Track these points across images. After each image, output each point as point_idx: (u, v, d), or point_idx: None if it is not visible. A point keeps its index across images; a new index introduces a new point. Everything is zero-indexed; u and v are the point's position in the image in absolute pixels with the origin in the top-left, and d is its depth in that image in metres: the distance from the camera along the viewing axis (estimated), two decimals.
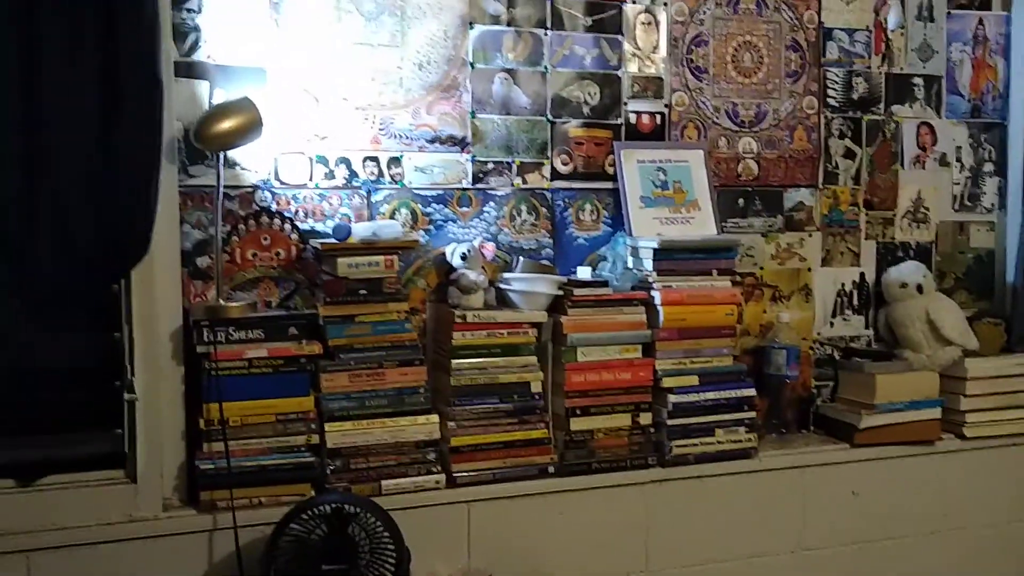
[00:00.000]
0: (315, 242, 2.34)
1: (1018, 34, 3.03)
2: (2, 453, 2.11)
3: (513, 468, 2.34)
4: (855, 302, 2.92)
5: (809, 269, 2.87)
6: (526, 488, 2.34)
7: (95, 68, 1.98)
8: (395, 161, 2.45)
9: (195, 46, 2.27)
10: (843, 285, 2.91)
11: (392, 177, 2.45)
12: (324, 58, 2.37)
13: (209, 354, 2.14)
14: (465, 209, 2.52)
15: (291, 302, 2.37)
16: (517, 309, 2.40)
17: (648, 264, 2.50)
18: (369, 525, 2.03)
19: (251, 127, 2.20)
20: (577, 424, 2.40)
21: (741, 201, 2.80)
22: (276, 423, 2.17)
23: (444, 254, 2.47)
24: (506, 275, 2.45)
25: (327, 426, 2.20)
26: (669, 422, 2.46)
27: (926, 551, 2.74)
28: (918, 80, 2.97)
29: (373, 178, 2.44)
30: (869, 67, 2.91)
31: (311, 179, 2.39)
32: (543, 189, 2.59)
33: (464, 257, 2.39)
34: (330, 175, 2.40)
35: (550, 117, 2.59)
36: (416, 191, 2.47)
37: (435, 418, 2.28)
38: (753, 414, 2.54)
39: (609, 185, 2.64)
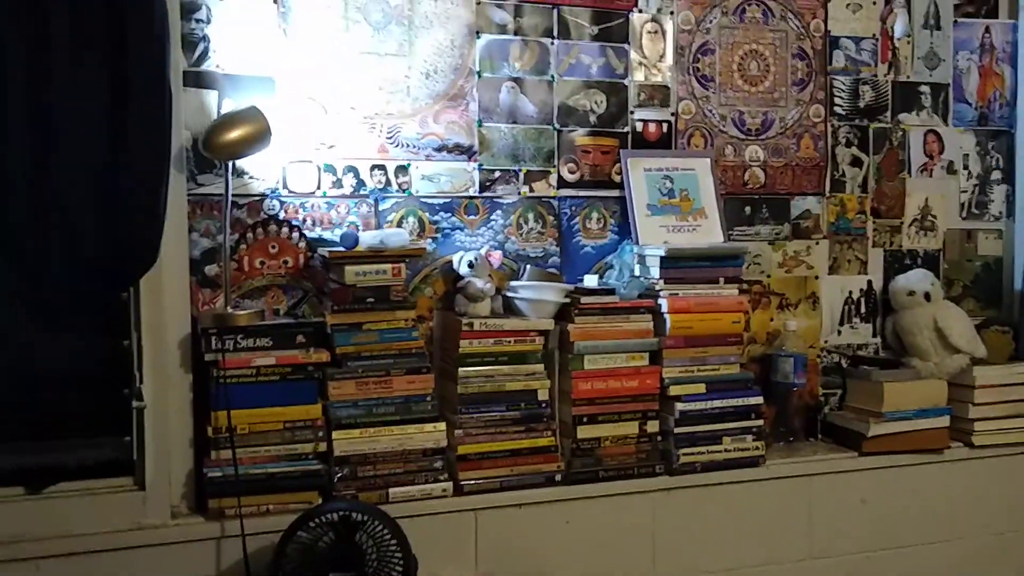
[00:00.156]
0: (323, 250, 2.35)
1: None
2: (11, 460, 2.12)
3: (520, 476, 2.34)
4: (862, 310, 2.91)
5: (816, 277, 2.87)
6: (533, 496, 2.34)
7: (105, 78, 1.99)
8: (402, 170, 2.46)
9: (204, 56, 2.28)
10: (850, 293, 2.90)
11: (399, 186, 2.46)
12: (332, 67, 2.38)
13: (217, 362, 2.15)
14: (472, 217, 2.53)
15: (299, 310, 2.38)
16: (524, 317, 2.40)
17: (655, 272, 2.51)
18: (376, 533, 2.03)
19: (259, 136, 2.21)
20: (584, 432, 2.40)
21: (748, 209, 2.80)
22: (284, 431, 2.18)
23: (451, 262, 2.47)
24: (513, 283, 2.46)
25: (334, 434, 2.20)
26: (676, 430, 2.46)
27: (934, 559, 2.73)
28: (925, 88, 2.97)
29: (380, 187, 2.45)
30: (876, 75, 2.92)
31: (319, 188, 2.40)
32: (550, 197, 2.60)
33: (471, 265, 2.40)
34: (338, 184, 2.41)
35: (557, 126, 2.60)
36: (423, 199, 2.48)
37: (442, 426, 2.28)
38: (760, 422, 2.54)
39: (616, 193, 2.65)
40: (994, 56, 3.04)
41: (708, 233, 2.66)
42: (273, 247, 2.36)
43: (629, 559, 2.45)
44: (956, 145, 3.01)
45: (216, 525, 2.12)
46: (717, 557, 2.53)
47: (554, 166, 2.60)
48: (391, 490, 2.22)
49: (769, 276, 2.82)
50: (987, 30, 3.03)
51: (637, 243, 2.59)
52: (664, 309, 2.47)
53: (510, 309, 2.44)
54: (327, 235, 2.39)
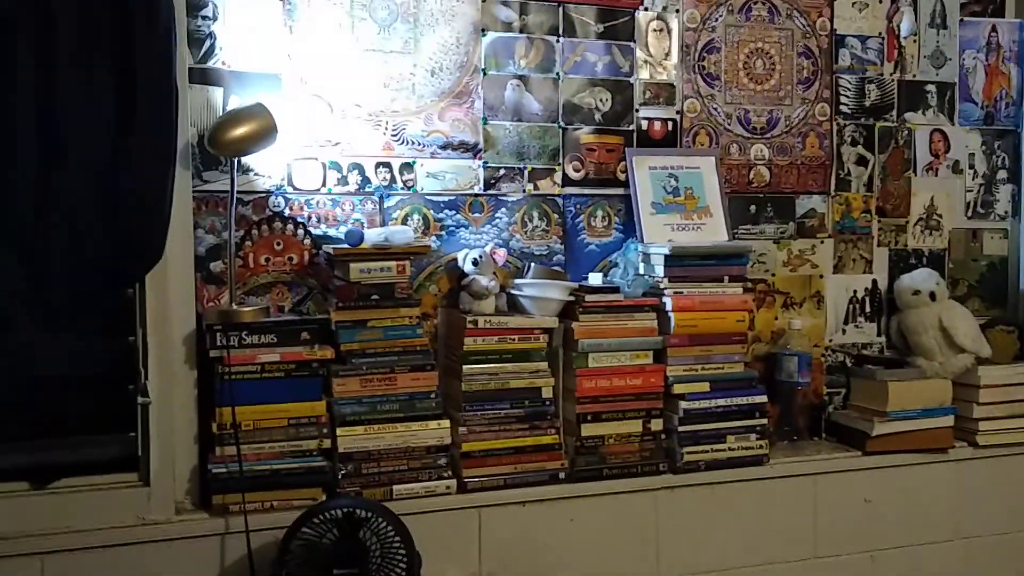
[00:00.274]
0: (328, 247, 2.35)
1: None
2: (16, 456, 2.13)
3: (524, 474, 2.34)
4: (867, 309, 2.91)
5: (821, 276, 2.86)
6: (537, 494, 2.35)
7: (111, 74, 2.00)
8: (407, 167, 2.46)
9: (210, 53, 2.28)
10: (855, 292, 2.90)
11: (404, 183, 2.46)
12: (337, 64, 2.38)
13: (222, 358, 2.15)
14: (477, 215, 2.53)
15: (303, 307, 2.38)
16: (528, 315, 2.40)
17: (659, 270, 2.51)
18: (380, 530, 2.03)
19: (265, 133, 2.21)
20: (588, 430, 2.40)
21: (753, 208, 2.80)
22: (288, 427, 2.18)
23: (456, 260, 2.47)
24: (517, 281, 2.46)
25: (339, 430, 2.21)
26: (680, 428, 2.46)
27: (938, 559, 2.73)
28: (931, 87, 2.96)
29: (385, 184, 2.45)
30: (882, 74, 2.91)
31: (324, 185, 2.40)
32: (555, 195, 2.60)
33: (476, 263, 2.40)
34: (343, 181, 2.41)
35: (562, 123, 2.60)
36: (428, 197, 2.48)
37: (446, 423, 2.28)
38: (764, 421, 2.54)
39: (620, 191, 2.65)
40: (1000, 55, 3.03)
41: (713, 231, 2.66)
42: (278, 244, 2.37)
43: (632, 557, 2.45)
44: (962, 144, 3.01)
45: (220, 521, 2.13)
46: (720, 556, 2.53)
47: (559, 164, 2.60)
48: (395, 487, 2.23)
49: (774, 275, 2.81)
50: (993, 29, 3.02)
51: (642, 241, 2.58)
52: (668, 307, 2.47)
53: (514, 307, 2.44)
54: (332, 232, 2.40)
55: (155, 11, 2.02)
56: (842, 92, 2.87)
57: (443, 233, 2.50)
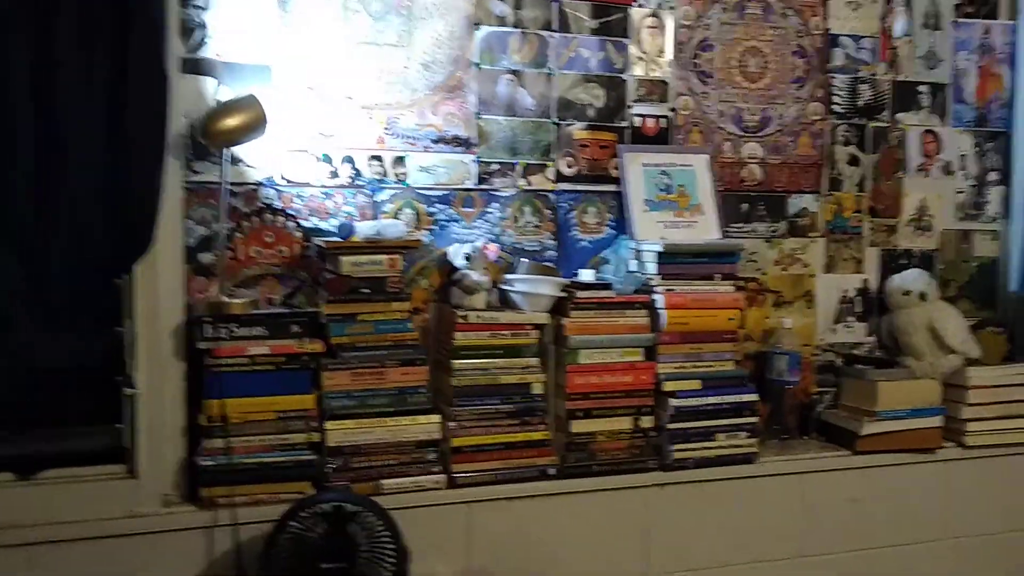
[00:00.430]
0: (319, 240, 2.34)
1: None
2: (3, 447, 2.11)
3: (514, 469, 2.33)
4: (858, 309, 2.91)
5: (812, 275, 2.86)
6: (526, 490, 2.34)
7: (104, 65, 1.99)
8: (400, 160, 2.45)
9: (202, 43, 2.27)
10: (846, 292, 2.90)
11: (396, 176, 2.45)
12: (330, 56, 2.37)
13: (211, 350, 2.14)
14: (469, 210, 2.52)
15: (294, 300, 2.37)
16: (520, 310, 2.40)
17: (651, 267, 2.50)
18: (369, 524, 2.03)
19: (256, 124, 2.20)
20: (578, 426, 2.40)
21: (745, 206, 2.80)
22: (277, 420, 2.17)
23: (447, 254, 2.47)
24: (509, 276, 2.45)
25: (328, 424, 2.20)
26: (670, 426, 2.45)
27: (926, 559, 2.73)
28: (924, 88, 2.97)
29: (377, 177, 2.44)
30: (875, 74, 2.91)
31: (316, 177, 2.39)
32: (547, 191, 2.59)
33: (467, 257, 2.39)
34: (335, 173, 2.40)
35: (555, 119, 2.59)
36: (420, 191, 2.48)
37: (436, 418, 2.27)
38: (754, 419, 2.54)
39: (613, 188, 2.64)
40: (993, 57, 3.04)
41: (705, 229, 2.66)
42: (269, 236, 2.35)
43: (622, 554, 2.44)
44: (954, 145, 3.01)
45: (208, 514, 2.11)
46: (709, 553, 2.53)
47: (552, 160, 2.59)
48: (384, 481, 2.22)
49: (765, 273, 2.81)
50: (987, 31, 3.03)
51: (634, 238, 2.58)
52: (660, 304, 2.46)
53: (506, 302, 2.43)
54: (323, 225, 2.39)
55: (148, 1, 2.01)
56: (835, 92, 2.88)
57: (435, 227, 2.49)
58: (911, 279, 2.85)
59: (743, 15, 2.77)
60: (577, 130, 2.61)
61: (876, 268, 2.94)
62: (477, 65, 2.51)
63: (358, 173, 2.42)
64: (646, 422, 2.45)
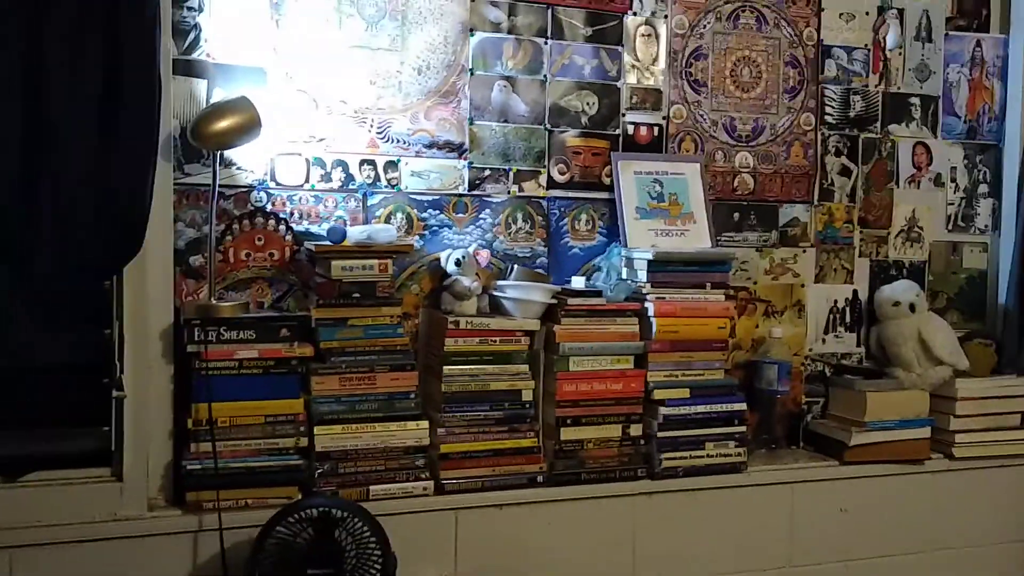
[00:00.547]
0: (309, 244, 2.33)
1: (1015, 57, 3.05)
2: None
3: (502, 476, 2.33)
4: (847, 319, 2.92)
5: (803, 285, 2.87)
6: (514, 497, 2.33)
7: (96, 65, 1.97)
8: (392, 165, 2.45)
9: (195, 44, 2.26)
10: (836, 302, 2.91)
11: (388, 181, 2.45)
12: (324, 60, 2.37)
13: (199, 353, 2.13)
14: (460, 215, 2.52)
15: (283, 303, 2.36)
16: (510, 317, 2.39)
17: (642, 275, 2.50)
18: (356, 530, 2.02)
19: (248, 127, 2.19)
20: (567, 434, 2.39)
21: (736, 215, 2.80)
22: (265, 425, 2.16)
23: (438, 260, 2.46)
24: (500, 282, 2.45)
25: (316, 429, 2.19)
26: (659, 434, 2.45)
27: (913, 570, 2.74)
28: (915, 100, 2.98)
29: (369, 182, 2.43)
30: (867, 85, 2.92)
31: (307, 181, 2.38)
32: (539, 197, 2.59)
33: (458, 263, 2.39)
34: (326, 177, 2.39)
35: (548, 126, 2.59)
36: (412, 196, 2.47)
37: (425, 424, 2.27)
38: (743, 428, 2.54)
39: (605, 195, 2.64)
40: (984, 70, 3.05)
41: (696, 238, 2.66)
42: (259, 239, 2.34)
43: (610, 562, 2.44)
44: (944, 158, 3.03)
45: (194, 518, 2.10)
46: (697, 562, 2.52)
47: (544, 166, 2.59)
48: (372, 487, 2.21)
49: (756, 283, 2.82)
50: (978, 44, 3.05)
51: (625, 246, 2.58)
52: (650, 313, 2.46)
53: (497, 309, 2.43)
54: (314, 229, 2.38)
55: (141, 1, 2.00)
56: (827, 102, 2.88)
57: (426, 233, 2.48)
58: (900, 290, 2.86)
59: (737, 25, 2.78)
60: (570, 137, 2.62)
61: (866, 279, 2.94)
62: (471, 71, 2.51)
63: (350, 177, 2.41)
64: (635, 430, 2.45)
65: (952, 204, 3.05)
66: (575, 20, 2.61)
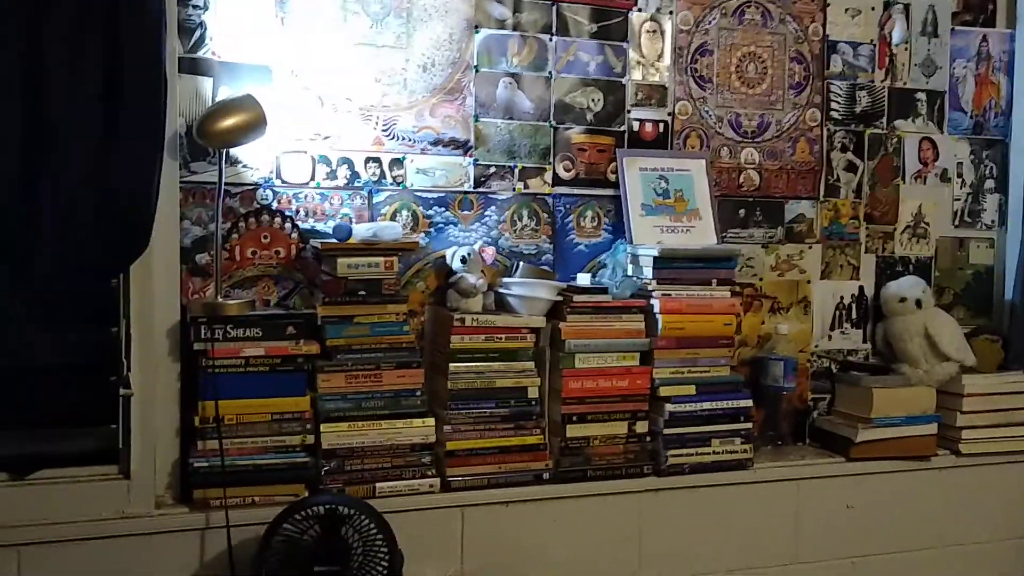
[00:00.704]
0: (315, 242, 2.33)
1: (1021, 51, 3.04)
2: None
3: (508, 473, 2.33)
4: (854, 315, 2.91)
5: (808, 281, 2.86)
6: (521, 494, 2.34)
7: (96, 65, 1.97)
8: (397, 163, 2.45)
9: (200, 42, 2.26)
10: (842, 298, 2.90)
11: (394, 179, 2.45)
12: (329, 58, 2.37)
13: (206, 351, 2.13)
14: (466, 212, 2.52)
15: (289, 301, 2.37)
16: (516, 314, 2.39)
17: (648, 272, 2.50)
18: (362, 527, 2.02)
19: (254, 125, 2.19)
20: (573, 431, 2.39)
21: (742, 211, 2.79)
22: (271, 422, 2.17)
23: (444, 257, 2.46)
24: (506, 280, 2.45)
25: (322, 427, 2.19)
26: (665, 431, 2.45)
27: (920, 567, 2.73)
28: (921, 95, 2.97)
29: (375, 179, 2.43)
30: (872, 81, 2.91)
31: (313, 178, 2.38)
32: (544, 194, 2.59)
33: (464, 260, 2.38)
34: (332, 175, 2.39)
35: (553, 123, 2.59)
36: (417, 193, 2.47)
37: (431, 421, 2.27)
38: (749, 425, 2.54)
39: (611, 192, 2.64)
40: (991, 65, 3.04)
41: (702, 234, 2.66)
42: (265, 237, 2.35)
43: (615, 559, 2.44)
44: (951, 153, 3.02)
45: (201, 516, 2.11)
46: (703, 559, 2.52)
47: (550, 163, 2.59)
48: (378, 485, 2.21)
49: (761, 279, 2.81)
50: (984, 39, 3.04)
51: (631, 242, 2.58)
52: (656, 309, 2.46)
53: (502, 306, 2.43)
54: (320, 226, 2.38)
55: (142, 1, 2.00)
56: (833, 98, 2.88)
57: (432, 230, 2.48)
58: (907, 286, 2.85)
59: (742, 21, 2.77)
60: (575, 134, 2.61)
61: (872, 275, 2.94)
62: (476, 68, 2.51)
63: (355, 175, 2.41)
64: (641, 427, 2.45)
65: (958, 200, 3.04)
66: (580, 16, 2.60)
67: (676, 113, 2.72)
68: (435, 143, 2.48)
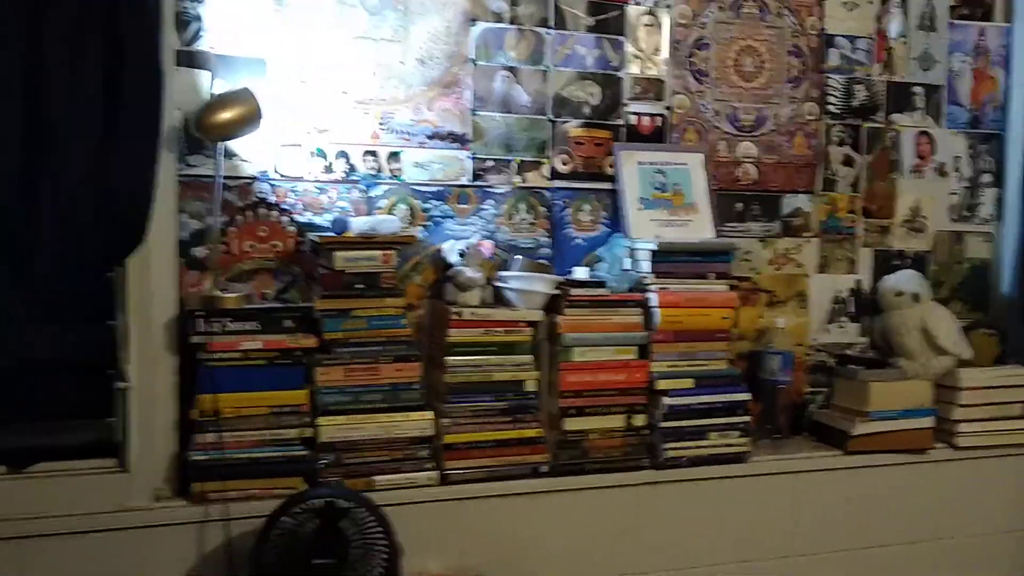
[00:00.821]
0: (313, 235, 2.33)
1: (1019, 46, 3.04)
2: None
3: (506, 467, 2.33)
4: (851, 309, 2.92)
5: (806, 275, 2.87)
6: (519, 487, 2.34)
7: (96, 65, 1.97)
8: (394, 156, 2.45)
9: (197, 35, 2.26)
10: (839, 292, 2.91)
11: (391, 172, 2.45)
12: (326, 51, 2.36)
13: (204, 344, 2.13)
14: (464, 206, 2.52)
15: (287, 295, 2.36)
16: (514, 307, 2.39)
17: (645, 266, 2.50)
18: (361, 520, 2.02)
19: (250, 118, 2.19)
20: (571, 424, 2.39)
21: (739, 205, 2.80)
22: (270, 415, 2.16)
23: (441, 250, 2.46)
24: (503, 273, 2.45)
25: (320, 420, 2.19)
26: (663, 424, 2.45)
27: (916, 560, 2.74)
28: (918, 89, 2.97)
29: (372, 172, 2.43)
30: (870, 75, 2.92)
31: (310, 172, 2.38)
32: (542, 188, 2.59)
33: (462, 254, 2.39)
34: (329, 168, 2.39)
35: (551, 116, 2.59)
36: (415, 187, 2.47)
37: (429, 414, 2.27)
38: (747, 418, 2.54)
39: (608, 186, 2.64)
40: (988, 59, 3.04)
41: (699, 228, 2.66)
42: (263, 230, 2.34)
43: (613, 552, 2.44)
44: (948, 147, 3.02)
45: (199, 509, 2.11)
46: (701, 552, 2.53)
47: (547, 157, 2.59)
48: (376, 478, 2.21)
49: (759, 273, 2.82)
50: (982, 33, 3.04)
51: (628, 236, 2.58)
52: (654, 303, 2.46)
53: (500, 299, 2.43)
54: (317, 220, 2.38)
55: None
56: (830, 92, 2.88)
57: (429, 223, 2.48)
58: (904, 280, 2.86)
59: (739, 14, 2.77)
60: (573, 127, 2.61)
61: (869, 269, 2.94)
62: (473, 61, 2.51)
63: (353, 168, 2.41)
64: (639, 420, 2.45)
65: (955, 194, 3.04)
66: (577, 10, 2.60)
67: (673, 107, 2.72)
68: (432, 136, 2.48)
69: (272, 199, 2.35)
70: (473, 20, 2.50)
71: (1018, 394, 2.81)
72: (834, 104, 2.88)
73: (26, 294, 2.13)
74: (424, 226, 2.48)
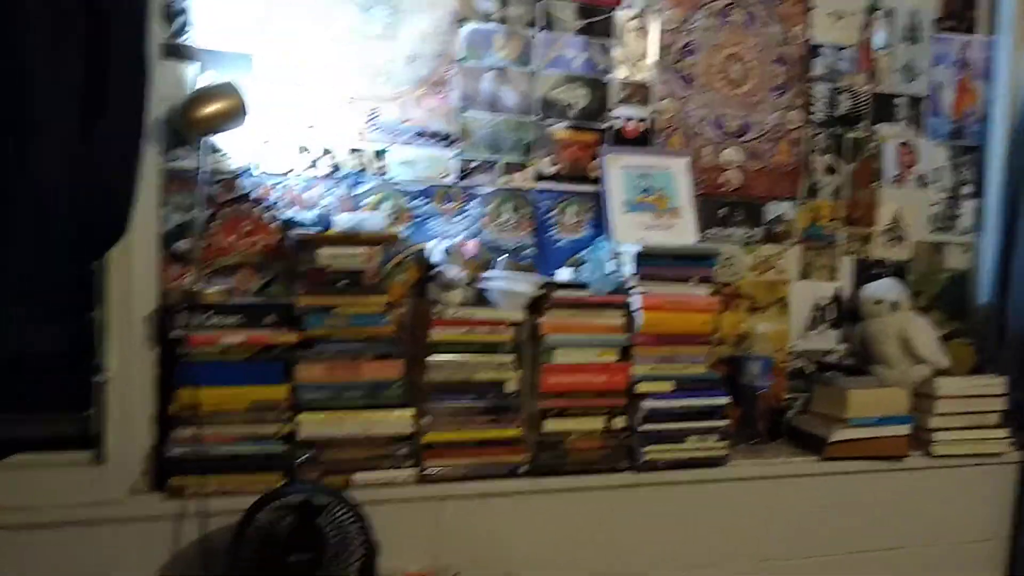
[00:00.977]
0: (296, 231, 2.33)
1: (1001, 59, 3.07)
2: None
3: (485, 466, 2.33)
4: (831, 316, 2.94)
5: (787, 282, 2.89)
6: (497, 487, 2.34)
7: (78, 56, 1.95)
8: (380, 154, 2.44)
9: (182, 28, 2.25)
10: (819, 299, 2.93)
11: (377, 170, 2.44)
12: (313, 47, 2.36)
13: (184, 338, 2.12)
14: (448, 205, 2.52)
15: (269, 290, 2.36)
16: (496, 307, 2.39)
17: (629, 269, 2.51)
18: (338, 517, 2.02)
19: (235, 113, 2.18)
20: (551, 425, 2.40)
21: (723, 211, 2.81)
22: (249, 411, 2.16)
23: (425, 249, 2.46)
24: (486, 273, 2.45)
25: (300, 416, 2.19)
26: (642, 427, 2.46)
27: (891, 566, 2.76)
28: (901, 100, 3.00)
29: (357, 170, 2.43)
30: (854, 84, 2.94)
31: (294, 168, 2.37)
32: (527, 189, 2.60)
33: (446, 253, 2.38)
34: (314, 165, 2.39)
35: (537, 118, 2.59)
36: (400, 185, 2.47)
37: (409, 413, 2.27)
38: (726, 423, 2.54)
39: (593, 189, 2.65)
40: (970, 72, 3.07)
41: (682, 233, 2.67)
42: (246, 226, 2.34)
43: (591, 553, 2.45)
44: (929, 158, 3.05)
45: (176, 504, 2.10)
46: (678, 554, 2.54)
47: (533, 158, 2.59)
48: (355, 475, 2.21)
49: (741, 278, 2.83)
50: (965, 46, 3.07)
51: (612, 239, 2.59)
52: (636, 306, 2.47)
53: (483, 299, 2.43)
54: (301, 216, 2.37)
55: None
56: (815, 100, 2.90)
57: (414, 222, 2.48)
58: (884, 289, 2.88)
59: (727, 21, 2.79)
60: (559, 130, 2.62)
61: (850, 277, 2.96)
62: (461, 61, 2.51)
63: (338, 165, 2.41)
64: (618, 423, 2.46)
65: (936, 204, 3.07)
66: (566, 12, 2.61)
67: (659, 111, 2.73)
68: (419, 135, 2.48)
69: (255, 194, 2.34)
70: (462, 20, 2.51)
71: (994, 403, 2.83)
72: (818, 112, 2.90)
73: (4, 282, 2.10)
74: (408, 224, 2.47)
